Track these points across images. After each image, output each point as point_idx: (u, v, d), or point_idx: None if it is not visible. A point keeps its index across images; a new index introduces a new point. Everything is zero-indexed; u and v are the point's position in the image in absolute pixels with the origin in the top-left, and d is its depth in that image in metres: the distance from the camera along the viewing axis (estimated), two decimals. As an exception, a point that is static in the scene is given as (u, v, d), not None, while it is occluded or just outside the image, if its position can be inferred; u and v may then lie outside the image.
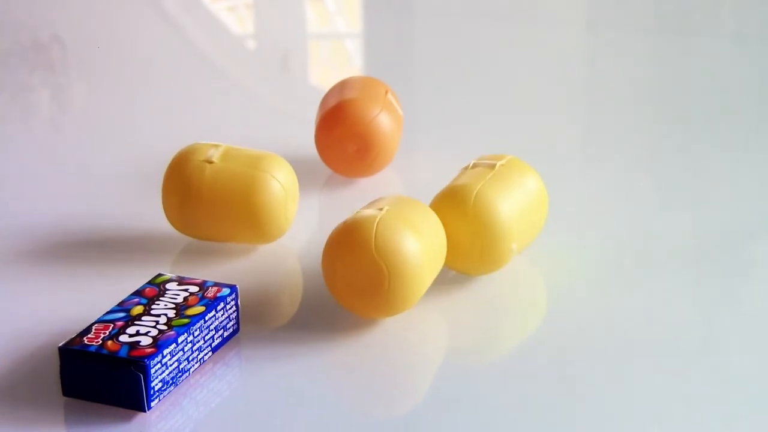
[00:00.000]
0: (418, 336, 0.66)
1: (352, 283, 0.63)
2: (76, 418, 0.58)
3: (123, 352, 0.57)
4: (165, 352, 0.58)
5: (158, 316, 0.60)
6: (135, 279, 0.65)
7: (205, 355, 0.61)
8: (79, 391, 0.58)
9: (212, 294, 0.63)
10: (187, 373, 0.60)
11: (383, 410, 0.61)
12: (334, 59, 1.34)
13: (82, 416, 0.57)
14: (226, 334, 0.63)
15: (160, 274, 0.65)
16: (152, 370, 0.57)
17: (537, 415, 0.59)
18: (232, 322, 0.64)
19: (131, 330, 0.59)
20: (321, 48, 1.40)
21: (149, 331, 0.59)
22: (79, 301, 0.68)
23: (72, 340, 0.58)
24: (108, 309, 0.61)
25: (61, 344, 0.58)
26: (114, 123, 1.02)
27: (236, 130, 0.95)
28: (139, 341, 0.58)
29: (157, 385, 0.57)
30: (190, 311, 0.61)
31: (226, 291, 0.63)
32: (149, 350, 0.57)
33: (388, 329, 0.65)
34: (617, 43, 1.21)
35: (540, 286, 0.72)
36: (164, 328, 0.59)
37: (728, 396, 0.61)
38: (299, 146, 0.77)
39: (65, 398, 0.58)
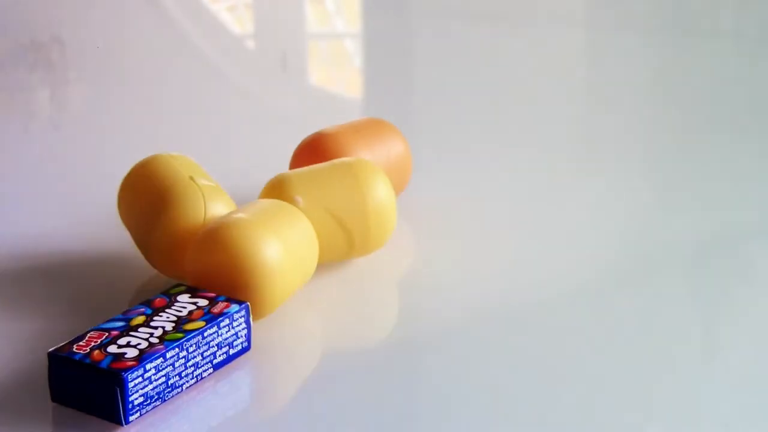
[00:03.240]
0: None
1: (214, 284, 0.63)
2: (62, 425, 0.57)
3: (104, 363, 0.56)
4: (148, 366, 0.56)
5: (155, 328, 0.59)
6: (134, 284, 0.65)
7: (204, 371, 0.60)
8: (66, 398, 0.57)
9: (218, 309, 0.61)
10: (179, 389, 0.58)
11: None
12: (333, 59, 1.34)
13: (68, 423, 0.57)
14: (232, 351, 0.61)
15: (178, 284, 0.63)
16: (131, 384, 0.55)
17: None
18: (240, 339, 0.62)
19: (122, 341, 0.57)
20: (320, 48, 1.40)
21: (139, 344, 0.57)
22: (78, 305, 0.67)
23: (62, 346, 0.57)
24: (108, 317, 0.61)
25: (51, 349, 0.57)
26: (113, 123, 1.02)
27: (235, 130, 0.95)
28: (125, 353, 0.56)
29: (137, 399, 0.56)
30: (189, 326, 0.59)
31: (234, 308, 0.61)
32: (131, 363, 0.56)
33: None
34: (617, 43, 1.21)
35: (536, 287, 0.72)
36: (156, 341, 0.58)
37: (727, 397, 0.60)
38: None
39: (53, 404, 0.58)
